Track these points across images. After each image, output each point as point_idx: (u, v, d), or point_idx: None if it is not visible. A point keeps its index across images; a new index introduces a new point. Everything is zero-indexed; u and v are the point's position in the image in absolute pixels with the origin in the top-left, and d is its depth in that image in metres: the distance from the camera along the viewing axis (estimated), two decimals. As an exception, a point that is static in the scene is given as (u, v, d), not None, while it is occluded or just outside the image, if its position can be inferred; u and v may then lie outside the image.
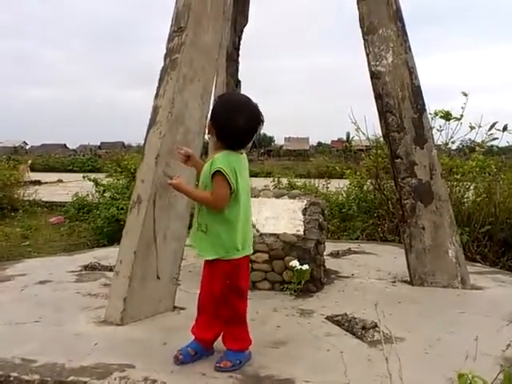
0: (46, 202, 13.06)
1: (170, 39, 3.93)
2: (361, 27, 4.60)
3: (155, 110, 3.85)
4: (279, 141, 72.30)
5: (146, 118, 3.98)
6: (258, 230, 4.34)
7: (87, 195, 10.80)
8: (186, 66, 3.84)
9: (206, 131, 2.75)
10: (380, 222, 7.73)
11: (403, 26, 4.52)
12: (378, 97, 4.55)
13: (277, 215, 4.53)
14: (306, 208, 4.56)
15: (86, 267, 4.99)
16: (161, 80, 3.88)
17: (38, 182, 18.69)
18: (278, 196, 4.81)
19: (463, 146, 8.61)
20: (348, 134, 9.05)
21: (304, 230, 4.32)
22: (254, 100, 2.62)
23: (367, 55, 4.58)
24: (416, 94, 4.46)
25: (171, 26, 3.97)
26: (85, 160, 35.35)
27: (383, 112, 4.53)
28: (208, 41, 4.02)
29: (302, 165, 32.36)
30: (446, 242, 4.35)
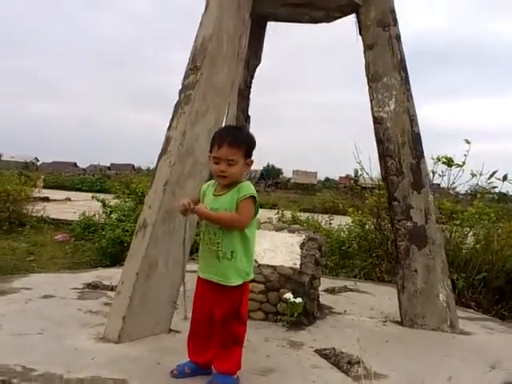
0: (53, 219, 13.26)
1: (186, 76, 4.20)
2: (366, 74, 4.86)
3: (167, 140, 4.08)
4: (287, 173, 72.74)
5: (157, 141, 4.22)
6: (256, 261, 4.50)
7: (94, 215, 11.00)
8: (199, 102, 4.09)
9: (244, 164, 2.80)
10: (378, 261, 7.85)
11: (406, 75, 4.77)
12: (380, 141, 4.76)
13: (275, 248, 4.70)
14: (303, 243, 4.73)
15: (88, 285, 5.16)
16: (175, 113, 4.13)
17: (47, 199, 19.00)
18: (277, 229, 4.99)
19: (465, 192, 8.79)
20: (356, 171, 9.33)
21: (300, 264, 4.48)
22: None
23: (371, 101, 4.82)
24: (415, 140, 4.68)
25: (188, 63, 4.24)
26: (94, 180, 35.77)
27: (383, 156, 4.74)
28: (221, 80, 4.29)
29: (309, 199, 32.50)
30: (438, 285, 4.49)
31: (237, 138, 2.77)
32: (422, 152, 4.68)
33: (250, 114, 6.13)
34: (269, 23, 5.80)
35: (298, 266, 4.47)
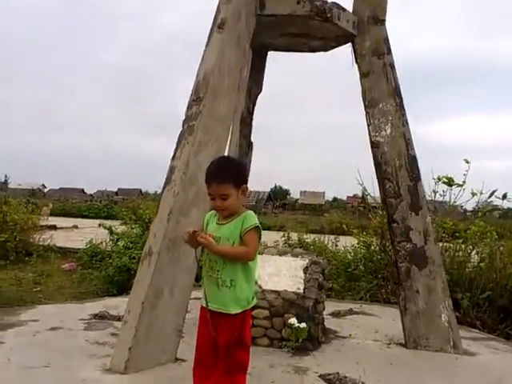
0: (60, 248, 13.26)
1: (189, 107, 4.35)
2: (363, 101, 5.00)
3: (171, 170, 4.21)
4: (295, 194, 72.74)
5: (164, 166, 4.33)
6: (260, 287, 4.58)
7: (101, 243, 11.07)
8: (202, 132, 4.23)
9: (240, 193, 2.82)
10: (384, 283, 7.88)
11: (401, 101, 4.90)
12: (378, 165, 4.88)
13: (279, 272, 4.78)
14: (307, 267, 4.80)
15: (95, 316, 5.21)
16: (178, 143, 4.27)
17: (54, 227, 19.10)
18: (281, 254, 5.07)
19: (473, 209, 8.84)
20: (363, 191, 9.40)
21: (304, 289, 4.55)
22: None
23: (368, 126, 4.94)
24: (412, 163, 4.79)
25: (191, 95, 4.40)
26: (101, 206, 35.89)
27: (382, 179, 4.85)
28: (223, 110, 4.43)
29: (316, 219, 32.42)
30: (439, 306, 4.54)
31: (223, 174, 2.82)
32: (419, 174, 4.79)
33: (252, 140, 6.27)
34: (269, 53, 5.98)
35: (302, 291, 4.54)
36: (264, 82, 6.15)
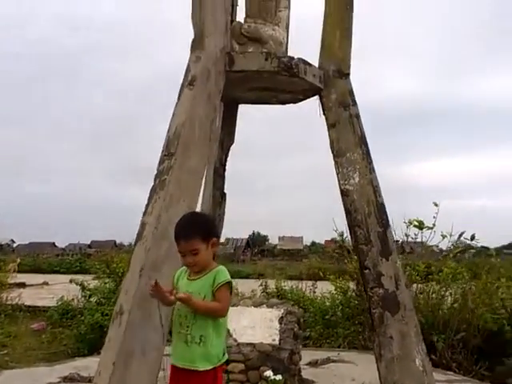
0: (29, 307, 12.80)
1: (161, 162, 4.41)
2: (331, 150, 5.15)
3: (143, 225, 4.22)
4: (273, 240, 72.49)
5: (139, 215, 4.33)
6: (235, 340, 4.55)
7: (72, 299, 10.77)
8: (174, 187, 4.27)
9: (210, 247, 2.86)
10: (361, 329, 7.89)
11: (367, 150, 5.06)
12: (348, 212, 4.98)
13: (254, 324, 4.77)
14: (282, 317, 4.81)
15: (65, 379, 5.05)
16: (150, 199, 4.30)
17: (23, 285, 18.49)
18: (256, 305, 5.07)
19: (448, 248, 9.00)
20: (342, 234, 9.47)
21: (279, 340, 4.55)
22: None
23: (337, 174, 5.07)
24: (380, 210, 4.91)
25: (162, 150, 4.46)
26: (73, 261, 35.04)
27: (352, 226, 4.94)
28: (195, 164, 4.50)
29: (295, 265, 32.40)
30: (413, 350, 4.56)
31: (190, 230, 2.84)
32: (388, 220, 4.91)
33: (225, 190, 6.35)
34: (240, 105, 6.15)
35: (277, 342, 4.53)
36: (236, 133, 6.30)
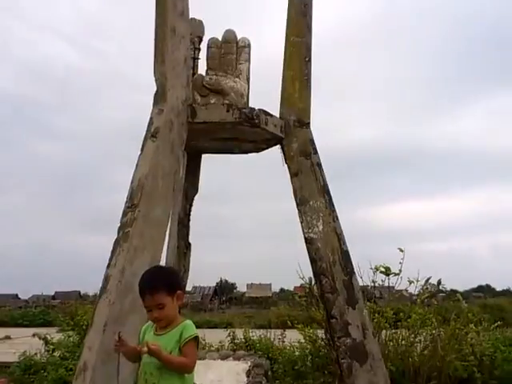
0: (-10, 363, 12.37)
1: (124, 214, 4.38)
2: (294, 199, 5.22)
3: (106, 278, 4.15)
4: (241, 287, 71.70)
5: (104, 264, 4.24)
6: (202, 394, 4.43)
7: (35, 354, 10.41)
8: (137, 238, 4.25)
9: (175, 300, 2.84)
10: (332, 379, 7.76)
11: (330, 198, 5.16)
12: (313, 260, 5.01)
13: (221, 378, 4.68)
14: (249, 370, 4.74)
15: None
16: (113, 251, 4.25)
17: (-16, 340, 17.82)
18: (223, 358, 4.98)
19: (413, 294, 9.07)
20: (310, 280, 9.37)
21: (247, 393, 4.45)
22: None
23: (301, 223, 5.13)
24: (345, 257, 4.96)
25: (126, 202, 4.45)
26: (36, 313, 33.86)
27: (318, 274, 4.97)
28: (158, 214, 4.50)
29: (264, 313, 32.06)
30: (384, 401, 4.53)
31: (154, 284, 2.82)
32: (353, 268, 4.95)
33: (190, 241, 6.31)
34: (203, 155, 6.21)
35: (245, 396, 4.43)
36: (200, 183, 6.33)
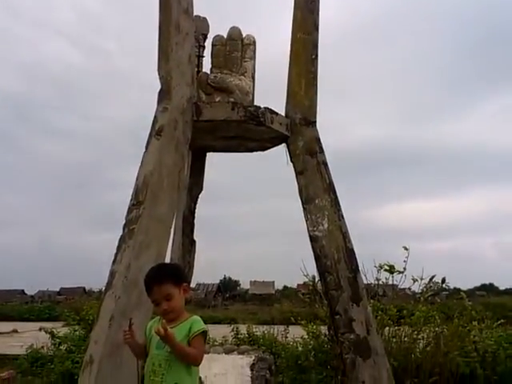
0: (-2, 355, 12.52)
1: (129, 211, 4.44)
2: (300, 197, 5.25)
3: (112, 274, 4.22)
4: (245, 285, 71.77)
5: (109, 261, 4.32)
6: (206, 388, 4.50)
7: (42, 347, 10.54)
8: (142, 235, 4.30)
9: (182, 292, 2.89)
10: (334, 374, 7.81)
11: (336, 197, 5.18)
12: (317, 258, 5.05)
13: (226, 371, 4.73)
14: (253, 364, 4.79)
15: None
16: (119, 248, 4.31)
17: (-9, 333, 18.03)
18: (227, 352, 5.04)
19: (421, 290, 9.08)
20: (314, 278, 9.41)
21: (251, 388, 4.51)
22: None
23: (306, 221, 5.16)
24: (350, 255, 5.00)
25: (131, 199, 4.50)
26: (42, 308, 34.19)
27: (322, 272, 5.01)
28: (163, 212, 4.55)
29: (267, 310, 32.17)
30: (386, 396, 4.58)
31: (162, 274, 2.91)
32: (357, 266, 4.99)
33: (195, 238, 6.37)
34: (208, 154, 6.25)
35: (249, 390, 4.49)
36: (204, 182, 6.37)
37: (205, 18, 5.76)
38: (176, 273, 3.00)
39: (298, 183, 5.26)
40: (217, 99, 5.20)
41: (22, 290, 66.55)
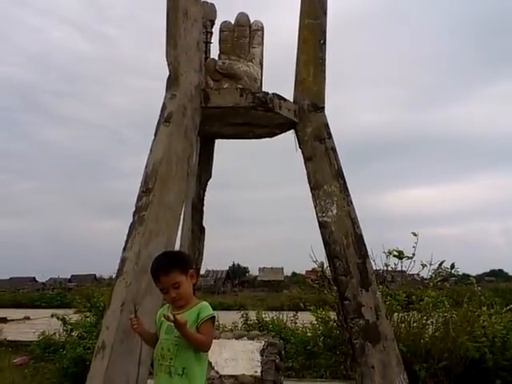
0: (11, 342, 12.67)
1: (139, 198, 4.46)
2: (308, 183, 5.24)
3: (123, 261, 4.25)
4: (254, 271, 72.12)
5: (119, 248, 4.35)
6: (217, 372, 4.55)
7: (54, 334, 10.68)
8: (152, 222, 4.33)
9: (189, 278, 2.90)
10: (343, 359, 7.88)
11: (344, 182, 5.17)
12: (326, 244, 5.05)
13: (236, 356, 4.78)
14: (263, 349, 4.83)
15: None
16: (129, 234, 4.34)
17: (4, 320, 18.24)
18: (237, 337, 5.08)
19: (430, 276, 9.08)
20: (322, 264, 9.45)
21: (261, 371, 4.55)
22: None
23: (315, 207, 5.16)
24: (359, 241, 4.99)
25: (140, 187, 4.52)
26: (53, 295, 34.54)
27: (331, 257, 5.01)
28: (172, 199, 4.57)
29: (276, 296, 32.34)
30: (395, 380, 4.60)
31: (167, 263, 2.92)
32: (366, 252, 4.98)
33: (204, 225, 6.39)
34: (217, 140, 6.25)
35: (259, 374, 4.55)
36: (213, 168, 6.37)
37: (212, 4, 5.72)
38: (181, 260, 3.02)
39: (307, 169, 5.25)
40: (225, 85, 5.17)
41: (34, 278, 67.34)
